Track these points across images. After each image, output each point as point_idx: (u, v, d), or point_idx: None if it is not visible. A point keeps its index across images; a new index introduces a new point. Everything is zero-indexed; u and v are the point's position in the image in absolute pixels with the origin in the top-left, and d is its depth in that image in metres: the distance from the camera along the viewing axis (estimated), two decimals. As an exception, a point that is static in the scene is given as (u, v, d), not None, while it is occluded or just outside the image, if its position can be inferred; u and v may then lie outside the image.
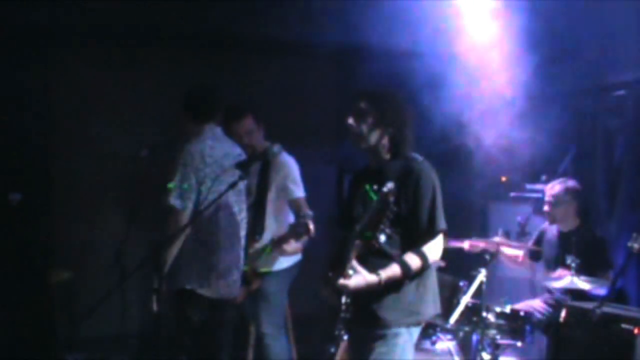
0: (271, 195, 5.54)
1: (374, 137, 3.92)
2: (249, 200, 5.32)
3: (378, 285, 3.70)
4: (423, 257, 3.75)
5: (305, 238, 5.19)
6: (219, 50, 7.06)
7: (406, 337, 3.83)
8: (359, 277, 3.68)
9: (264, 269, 5.49)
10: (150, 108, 6.73)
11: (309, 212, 5.41)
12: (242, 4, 6.29)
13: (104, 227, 6.76)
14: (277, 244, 5.30)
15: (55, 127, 6.77)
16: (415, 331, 3.91)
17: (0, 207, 6.22)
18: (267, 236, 5.46)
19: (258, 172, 5.54)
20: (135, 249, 6.00)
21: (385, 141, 3.92)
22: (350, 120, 3.93)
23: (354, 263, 3.70)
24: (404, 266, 3.72)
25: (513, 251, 5.92)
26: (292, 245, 5.30)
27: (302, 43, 6.70)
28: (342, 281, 3.66)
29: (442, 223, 3.81)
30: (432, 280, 3.93)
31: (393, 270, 3.71)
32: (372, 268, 3.72)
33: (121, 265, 6.12)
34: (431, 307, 3.92)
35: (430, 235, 3.78)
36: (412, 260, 3.74)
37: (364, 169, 4.10)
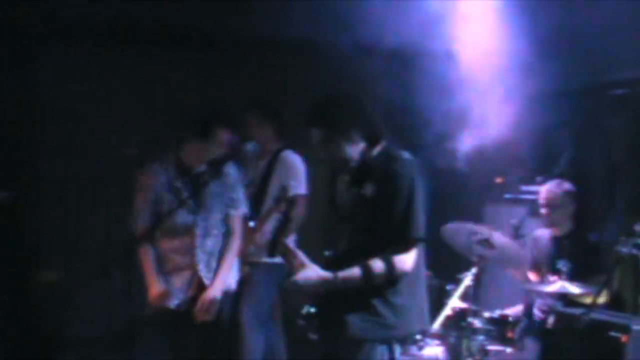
0: (272, 190, 5.61)
1: (331, 148, 3.73)
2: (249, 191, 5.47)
3: (332, 284, 3.54)
4: (389, 265, 3.52)
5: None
6: (210, 50, 6.98)
7: (383, 352, 3.61)
8: (309, 271, 3.57)
9: (254, 259, 5.48)
10: (140, 107, 6.67)
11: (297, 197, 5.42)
12: (233, 2, 6.21)
13: (93, 227, 6.67)
14: (262, 219, 5.36)
15: (44, 125, 6.71)
16: (396, 346, 3.67)
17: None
18: (266, 229, 5.52)
19: (264, 166, 5.71)
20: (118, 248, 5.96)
21: (345, 147, 3.70)
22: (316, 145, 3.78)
23: (303, 257, 3.61)
24: (365, 270, 3.52)
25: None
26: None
27: (292, 42, 6.63)
28: (291, 279, 3.58)
29: (416, 231, 3.57)
30: (418, 294, 3.73)
31: (352, 272, 3.54)
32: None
33: (105, 264, 6.07)
34: (415, 322, 3.72)
35: (402, 242, 3.56)
36: (376, 265, 3.52)
37: (355, 166, 3.84)
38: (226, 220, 4.78)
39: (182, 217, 4.65)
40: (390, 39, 5.79)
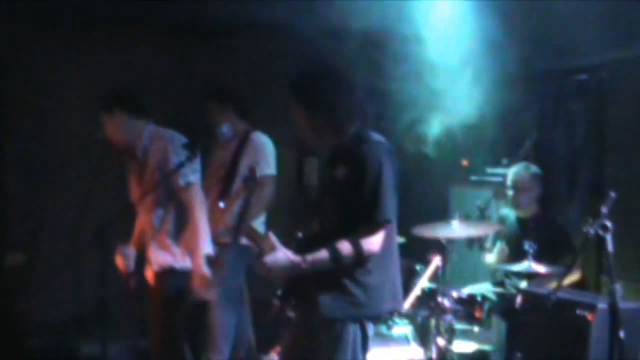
0: (241, 171, 5.65)
1: (310, 127, 3.75)
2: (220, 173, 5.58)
3: (301, 266, 3.56)
4: (356, 246, 3.55)
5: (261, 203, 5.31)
6: (179, 34, 6.93)
7: (356, 332, 3.65)
8: (278, 254, 3.58)
9: (223, 240, 5.46)
10: (107, 89, 6.59)
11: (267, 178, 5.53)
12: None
13: (57, 210, 6.62)
14: (232, 200, 5.38)
15: (12, 108, 6.61)
16: (369, 325, 3.71)
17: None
18: (235, 209, 5.56)
19: (233, 148, 5.73)
20: (89, 230, 5.92)
21: (324, 126, 3.72)
22: (292, 116, 3.78)
23: (273, 240, 3.61)
24: (333, 252, 3.54)
25: None
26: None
27: (263, 25, 6.61)
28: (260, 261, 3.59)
29: (384, 213, 3.56)
30: (390, 273, 3.75)
31: (320, 254, 3.56)
32: None
33: (74, 247, 6.05)
34: (387, 300, 3.73)
35: (370, 224, 3.58)
36: (343, 247, 3.55)
37: (330, 149, 3.87)
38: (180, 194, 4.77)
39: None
40: (360, 22, 5.83)
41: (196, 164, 4.70)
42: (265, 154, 5.75)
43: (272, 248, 3.60)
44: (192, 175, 4.68)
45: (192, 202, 4.68)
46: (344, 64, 5.44)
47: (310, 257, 3.57)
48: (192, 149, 4.19)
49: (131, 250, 4.85)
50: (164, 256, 4.76)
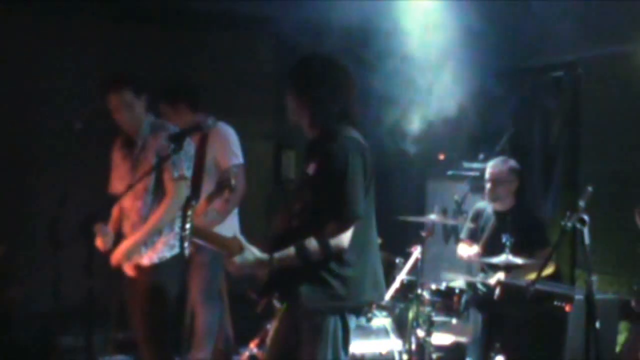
0: (208, 164, 5.56)
1: (296, 112, 3.75)
2: None
3: (269, 264, 3.57)
4: (324, 243, 3.54)
5: (234, 199, 5.29)
6: (157, 25, 6.92)
7: (337, 324, 3.65)
8: (246, 253, 3.58)
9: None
10: (85, 81, 6.55)
11: (235, 168, 5.44)
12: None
13: (38, 201, 6.58)
14: (206, 201, 5.28)
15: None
16: (351, 317, 3.71)
17: None
18: (211, 209, 5.31)
19: (197, 143, 5.51)
20: (69, 222, 5.90)
21: (306, 113, 3.72)
22: (287, 97, 3.77)
23: (241, 239, 3.61)
24: (300, 250, 3.55)
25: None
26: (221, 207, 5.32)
27: (241, 17, 6.62)
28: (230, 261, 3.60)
29: (351, 209, 3.53)
30: (370, 264, 3.74)
31: (288, 252, 3.56)
32: None
33: (55, 239, 6.01)
34: (368, 291, 3.73)
35: (338, 221, 3.56)
36: (311, 245, 3.54)
37: (306, 144, 3.87)
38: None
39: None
40: (342, 15, 5.88)
41: (190, 159, 4.78)
42: (230, 144, 5.65)
43: (240, 248, 3.59)
44: (187, 170, 4.73)
45: (174, 196, 4.71)
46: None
47: (278, 254, 3.57)
48: (179, 140, 4.20)
49: (110, 230, 4.88)
50: (147, 255, 4.80)
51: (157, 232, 4.73)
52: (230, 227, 5.55)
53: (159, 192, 4.76)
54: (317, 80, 3.69)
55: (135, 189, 4.61)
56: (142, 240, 4.75)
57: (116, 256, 4.77)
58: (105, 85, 4.80)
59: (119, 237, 4.92)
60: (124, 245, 4.77)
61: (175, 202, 4.70)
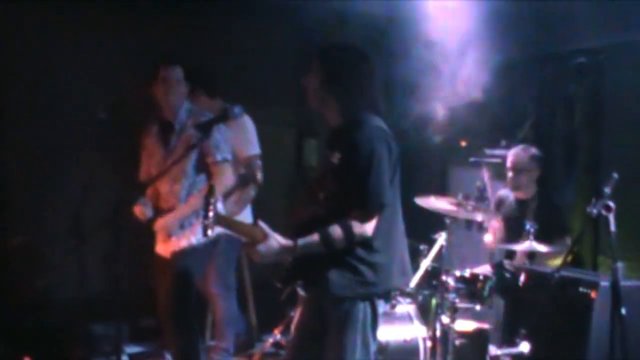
0: None
1: (320, 97, 3.76)
2: None
3: (293, 251, 3.59)
4: (348, 230, 3.57)
5: (251, 191, 5.40)
6: (178, 12, 6.91)
7: (366, 310, 3.69)
8: (271, 240, 3.59)
9: None
10: (109, 69, 6.58)
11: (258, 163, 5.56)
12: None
13: (62, 190, 6.62)
14: (227, 196, 5.33)
15: (11, 85, 6.58)
16: (380, 303, 3.75)
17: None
18: (231, 199, 5.52)
19: None
20: (93, 211, 5.96)
21: (332, 102, 3.74)
22: (305, 79, 3.79)
23: (264, 227, 3.62)
24: (324, 236, 3.57)
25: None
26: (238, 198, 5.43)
27: (265, 6, 6.61)
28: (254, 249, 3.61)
29: (376, 199, 3.59)
30: (398, 250, 3.79)
31: (312, 239, 3.58)
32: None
33: (79, 228, 6.06)
34: (397, 277, 3.79)
35: (362, 209, 3.60)
36: (335, 231, 3.57)
37: (330, 132, 3.90)
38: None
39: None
40: (364, 3, 5.87)
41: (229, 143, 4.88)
42: (248, 133, 5.71)
43: (264, 235, 3.61)
44: (229, 153, 4.78)
45: (220, 177, 4.80)
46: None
47: (302, 241, 3.59)
48: (207, 129, 4.23)
49: (148, 200, 4.94)
50: (185, 236, 4.83)
51: (195, 214, 4.77)
52: (243, 217, 5.61)
53: (197, 175, 4.81)
54: (344, 70, 3.71)
55: (173, 173, 4.65)
56: (183, 216, 4.79)
57: (158, 224, 4.84)
58: (160, 60, 4.84)
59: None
60: (166, 218, 4.80)
61: (221, 185, 4.75)
